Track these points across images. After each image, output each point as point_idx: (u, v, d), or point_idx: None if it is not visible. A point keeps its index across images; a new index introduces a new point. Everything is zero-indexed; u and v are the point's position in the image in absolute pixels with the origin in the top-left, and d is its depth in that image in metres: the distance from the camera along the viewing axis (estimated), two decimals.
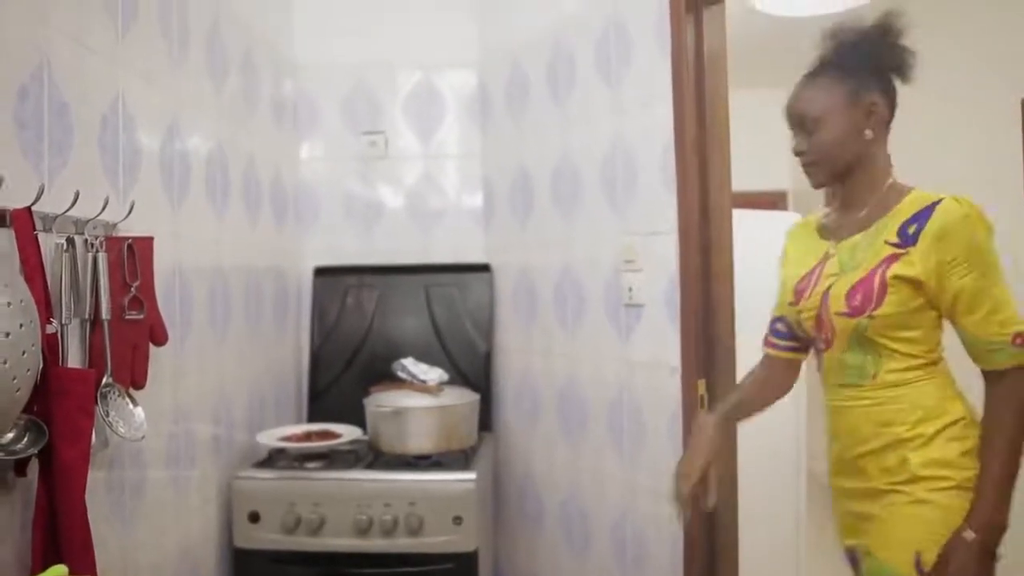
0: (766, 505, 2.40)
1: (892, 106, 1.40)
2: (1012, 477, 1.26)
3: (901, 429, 1.31)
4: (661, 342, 1.86)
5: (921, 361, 1.32)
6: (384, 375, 2.32)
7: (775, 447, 2.51)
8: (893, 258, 1.30)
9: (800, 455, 2.57)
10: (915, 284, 1.29)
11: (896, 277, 1.29)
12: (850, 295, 1.33)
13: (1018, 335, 1.26)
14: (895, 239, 1.31)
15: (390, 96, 2.69)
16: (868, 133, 1.37)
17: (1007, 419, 1.26)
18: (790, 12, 3.51)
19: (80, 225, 1.34)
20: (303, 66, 2.67)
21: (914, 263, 1.28)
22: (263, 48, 2.36)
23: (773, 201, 5.40)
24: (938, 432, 1.29)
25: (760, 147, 5.17)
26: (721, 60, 1.85)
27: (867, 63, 1.39)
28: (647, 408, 1.92)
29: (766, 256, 2.48)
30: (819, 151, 1.39)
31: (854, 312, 1.32)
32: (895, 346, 1.32)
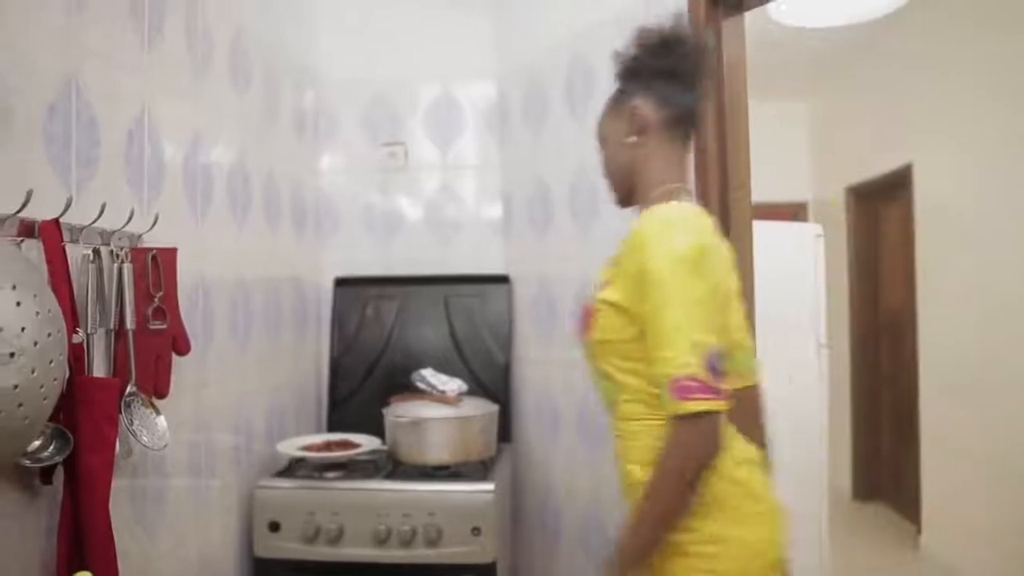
0: (788, 517, 2.37)
1: (667, 111, 1.31)
2: (652, 519, 1.14)
3: (635, 468, 1.22)
4: None
5: (653, 395, 1.17)
6: (403, 386, 2.33)
7: (797, 462, 2.48)
8: (608, 280, 1.23)
9: (822, 474, 2.54)
10: (619, 309, 1.19)
11: (602, 301, 1.21)
12: (578, 318, 1.25)
13: (675, 381, 1.09)
14: (612, 259, 1.23)
15: (410, 108, 2.71)
16: (631, 138, 1.32)
17: (661, 466, 1.13)
18: (804, 23, 3.50)
19: (106, 236, 1.36)
20: (324, 79, 2.69)
21: (616, 287, 1.20)
22: (285, 62, 2.39)
23: (793, 212, 5.37)
24: None
25: (780, 158, 5.17)
26: (741, 71, 1.85)
27: (630, 72, 1.36)
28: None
29: (787, 267, 2.48)
30: (604, 168, 1.37)
31: (578, 336, 1.26)
32: (621, 377, 1.22)
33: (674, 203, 1.26)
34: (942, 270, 3.77)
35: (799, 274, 2.54)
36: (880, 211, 4.78)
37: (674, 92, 1.32)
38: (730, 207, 1.79)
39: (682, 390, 1.08)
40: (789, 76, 4.78)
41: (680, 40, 1.33)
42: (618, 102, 1.36)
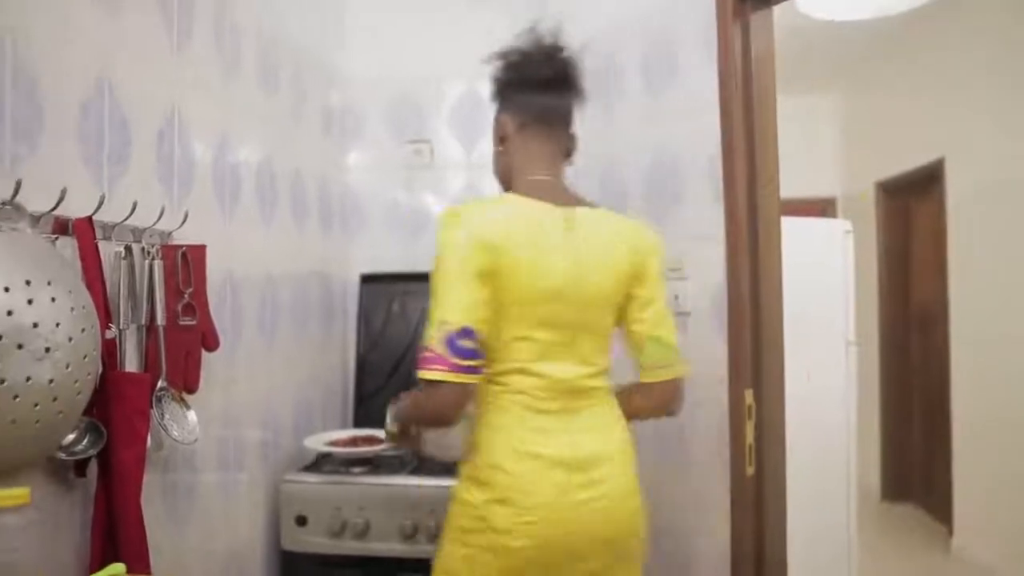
0: (816, 520, 2.35)
1: (521, 117, 1.52)
2: (407, 416, 1.55)
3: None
4: (708, 351, 1.83)
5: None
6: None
7: (825, 462, 2.45)
8: None
9: (850, 470, 2.51)
10: None
11: None
12: None
13: (420, 351, 1.32)
14: None
15: (435, 105, 2.72)
16: (498, 148, 1.56)
17: (411, 406, 1.52)
18: (833, 15, 3.45)
19: (137, 234, 1.38)
20: (350, 77, 2.71)
21: None
22: (312, 61, 2.41)
23: (822, 208, 5.31)
24: None
25: (808, 153, 5.11)
26: (769, 66, 1.83)
27: (494, 92, 1.60)
28: (692, 418, 1.89)
29: (815, 264, 2.45)
30: None
31: None
32: None
33: (494, 195, 1.53)
34: (975, 265, 3.71)
35: (828, 270, 2.51)
36: (911, 206, 4.70)
37: (526, 99, 1.53)
38: (758, 203, 1.77)
39: (422, 360, 1.31)
40: (818, 69, 4.72)
41: (526, 52, 1.54)
42: (494, 119, 1.59)
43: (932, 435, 4.35)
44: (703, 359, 1.85)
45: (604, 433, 1.44)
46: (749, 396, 1.71)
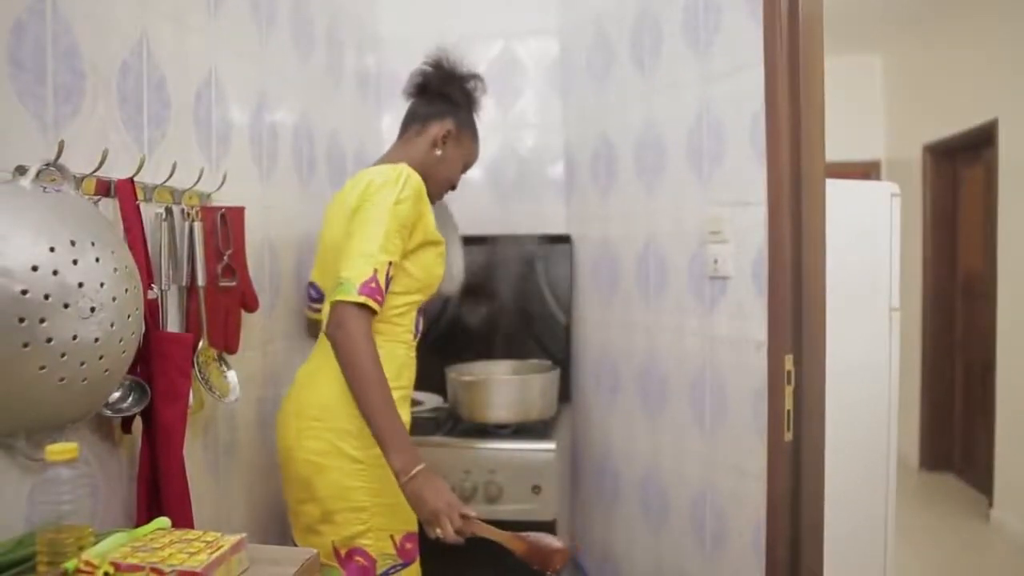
0: (854, 485, 2.32)
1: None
2: None
3: None
4: (747, 316, 1.81)
5: None
6: (464, 345, 2.35)
7: (865, 428, 2.42)
8: None
9: (891, 436, 2.47)
10: None
11: None
12: None
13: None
14: None
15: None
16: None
17: None
18: None
19: (177, 195, 1.39)
20: (386, 39, 2.69)
21: None
22: (347, 23, 2.39)
23: (866, 171, 5.17)
24: None
25: (853, 115, 4.96)
26: (816, 24, 1.76)
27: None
28: (730, 384, 1.88)
29: (858, 228, 2.39)
30: None
31: None
32: None
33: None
34: None
35: (873, 235, 2.44)
36: (959, 170, 4.56)
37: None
38: (802, 165, 1.72)
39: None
40: (864, 27, 4.56)
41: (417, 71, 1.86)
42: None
43: (974, 405, 4.27)
44: (742, 324, 1.83)
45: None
46: (789, 362, 1.68)
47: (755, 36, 1.75)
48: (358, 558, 1.52)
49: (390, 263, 1.49)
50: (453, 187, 1.88)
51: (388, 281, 1.50)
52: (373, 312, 1.47)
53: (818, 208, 1.73)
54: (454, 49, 1.87)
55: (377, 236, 1.49)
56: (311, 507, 1.55)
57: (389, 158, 1.78)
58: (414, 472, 1.40)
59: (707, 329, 1.96)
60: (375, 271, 1.47)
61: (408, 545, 1.59)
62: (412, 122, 1.83)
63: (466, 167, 1.89)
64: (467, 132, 1.85)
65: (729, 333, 1.88)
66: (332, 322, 1.46)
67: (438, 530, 1.40)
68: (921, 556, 3.38)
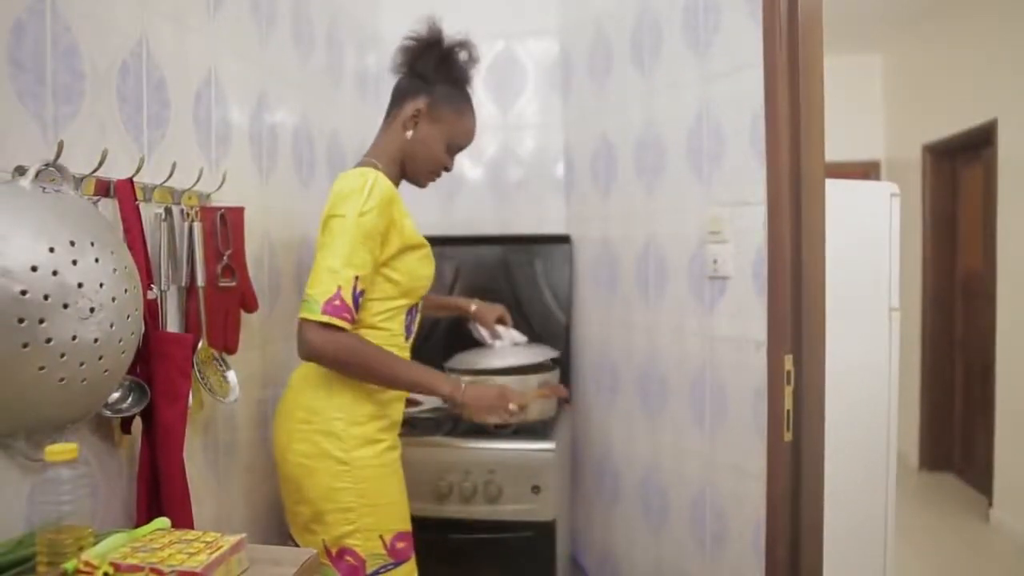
0: (854, 485, 2.32)
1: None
2: None
3: None
4: (747, 316, 1.81)
5: None
6: (463, 346, 2.35)
7: (865, 428, 2.42)
8: None
9: (891, 436, 2.47)
10: None
11: None
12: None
13: None
14: None
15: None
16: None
17: None
18: None
19: (177, 195, 1.39)
20: (386, 39, 2.68)
21: None
22: (347, 23, 2.39)
23: (865, 171, 5.17)
24: None
25: (853, 115, 4.96)
26: (816, 24, 1.76)
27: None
28: (730, 384, 1.88)
29: (857, 228, 2.39)
30: None
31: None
32: None
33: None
34: None
35: (872, 234, 2.44)
36: (959, 170, 4.56)
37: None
38: (801, 165, 1.72)
39: None
40: (863, 27, 4.56)
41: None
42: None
43: (974, 405, 4.27)
44: (742, 324, 1.83)
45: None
46: (788, 362, 1.68)
47: (755, 36, 1.75)
48: (348, 558, 1.53)
49: (356, 277, 1.48)
50: (446, 169, 1.77)
51: (357, 296, 1.48)
52: (341, 328, 1.46)
53: (818, 208, 1.73)
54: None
55: (342, 250, 1.47)
56: (303, 508, 1.56)
57: (371, 151, 1.72)
58: (463, 388, 1.61)
59: (707, 329, 1.96)
60: (339, 288, 1.45)
61: (400, 544, 1.59)
62: (392, 103, 1.74)
63: (454, 147, 1.75)
64: (445, 107, 1.70)
65: (729, 333, 1.88)
66: (299, 340, 1.47)
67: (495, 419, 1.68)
68: (921, 556, 3.38)
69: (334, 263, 1.47)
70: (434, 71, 1.70)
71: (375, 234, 1.52)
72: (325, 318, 1.44)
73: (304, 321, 1.45)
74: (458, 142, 1.76)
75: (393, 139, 1.70)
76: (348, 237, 1.48)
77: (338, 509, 1.53)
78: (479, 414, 1.64)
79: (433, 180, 1.79)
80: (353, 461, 1.53)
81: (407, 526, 1.62)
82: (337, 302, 1.45)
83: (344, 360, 1.49)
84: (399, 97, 1.72)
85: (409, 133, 1.68)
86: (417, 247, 1.64)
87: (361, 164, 1.66)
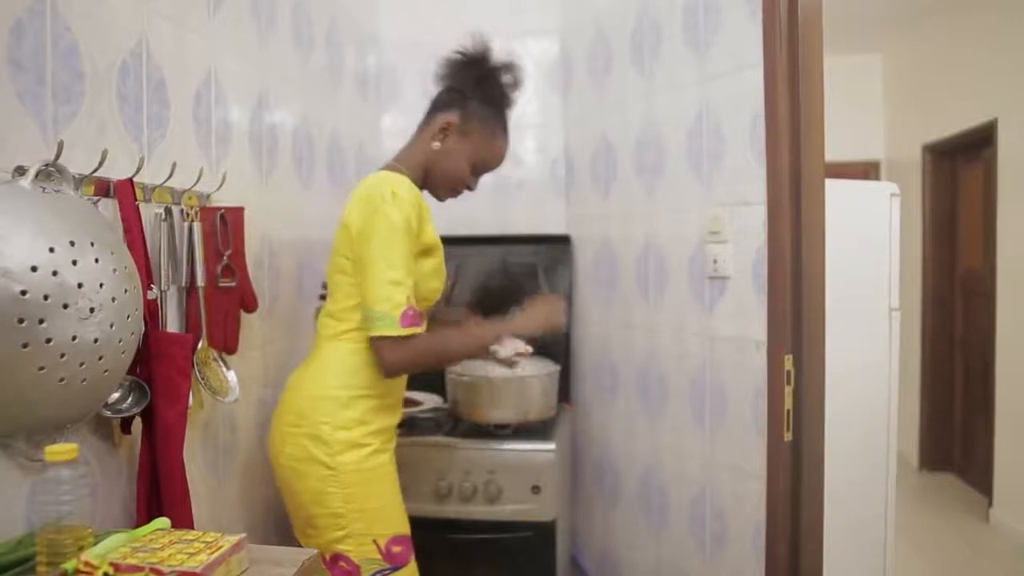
0: (853, 484, 2.32)
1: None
2: None
3: None
4: (747, 316, 1.81)
5: None
6: None
7: (865, 428, 2.42)
8: None
9: (891, 436, 2.47)
10: None
11: None
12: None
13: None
14: None
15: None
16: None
17: None
18: None
19: (177, 195, 1.39)
20: (385, 39, 2.69)
21: None
22: (346, 23, 2.39)
23: (865, 171, 5.17)
24: None
25: (853, 115, 4.96)
26: (816, 24, 1.76)
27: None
28: (730, 383, 1.88)
29: (857, 228, 2.39)
30: None
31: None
32: None
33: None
34: None
35: (872, 234, 2.44)
36: (959, 170, 4.56)
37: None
38: (801, 165, 1.72)
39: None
40: (863, 27, 4.56)
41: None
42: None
43: (974, 405, 4.27)
44: (742, 324, 1.83)
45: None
46: (788, 362, 1.69)
47: (755, 36, 1.75)
48: (341, 563, 1.52)
49: (413, 283, 1.51)
50: (468, 188, 1.74)
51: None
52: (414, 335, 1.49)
53: (818, 208, 1.73)
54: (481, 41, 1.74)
55: (399, 260, 1.48)
56: (298, 511, 1.57)
57: (396, 157, 1.72)
58: (504, 330, 1.70)
59: (707, 329, 1.96)
60: (408, 297, 1.47)
61: (396, 549, 1.56)
62: (427, 114, 1.74)
63: (479, 166, 1.72)
64: (477, 125, 1.68)
65: (729, 333, 1.89)
66: (383, 360, 1.50)
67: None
68: (921, 556, 3.38)
69: (395, 274, 1.47)
70: (473, 87, 1.68)
71: (413, 236, 1.53)
72: (407, 331, 1.46)
73: (384, 339, 1.47)
74: (484, 162, 1.73)
75: (421, 148, 1.69)
76: (398, 244, 1.49)
77: (328, 514, 1.52)
78: (539, 327, 1.73)
79: (453, 196, 1.76)
80: (339, 466, 1.51)
81: (403, 529, 1.60)
82: (411, 312, 1.47)
83: (422, 363, 1.55)
84: (434, 108, 1.72)
85: (436, 144, 1.67)
86: (432, 253, 1.63)
87: (386, 167, 1.67)
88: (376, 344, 1.49)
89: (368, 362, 1.57)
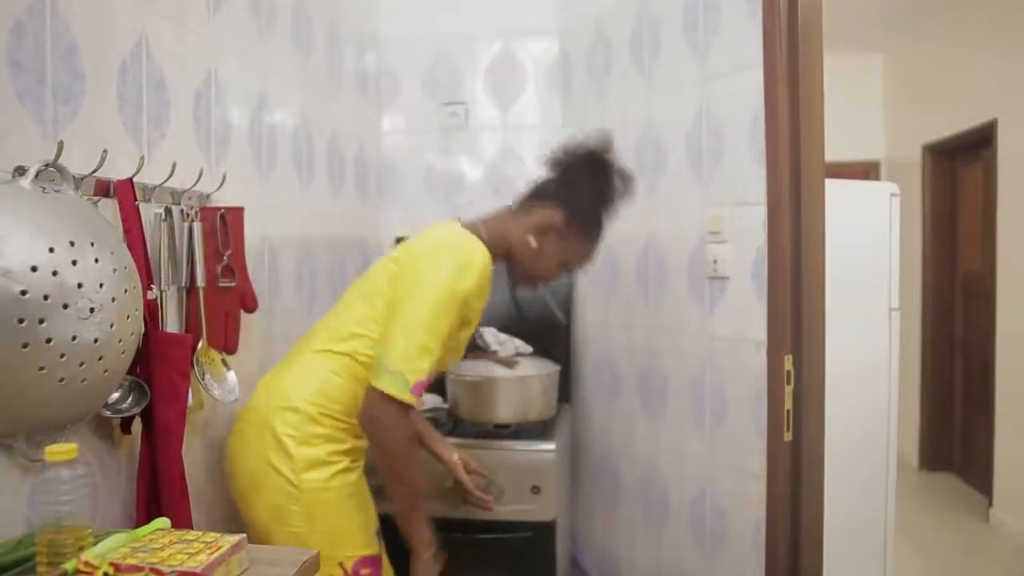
0: (854, 485, 2.32)
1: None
2: None
3: None
4: (747, 316, 1.81)
5: None
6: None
7: (865, 428, 2.42)
8: None
9: (891, 436, 2.48)
10: None
11: None
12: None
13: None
14: None
15: (471, 67, 2.69)
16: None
17: None
18: None
19: (176, 196, 1.39)
20: (385, 39, 2.69)
21: None
22: (347, 23, 2.39)
23: (865, 171, 5.17)
24: None
25: (853, 115, 4.96)
26: (816, 24, 1.76)
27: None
28: (730, 384, 1.88)
29: (857, 228, 2.39)
30: None
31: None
32: None
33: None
34: None
35: (872, 234, 2.45)
36: (959, 170, 4.56)
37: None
38: (801, 165, 1.72)
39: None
40: (863, 26, 4.56)
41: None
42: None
43: (974, 405, 4.27)
44: (742, 324, 1.83)
45: None
46: (788, 362, 1.68)
47: (755, 36, 1.75)
48: None
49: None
50: (545, 282, 1.67)
51: None
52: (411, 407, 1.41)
53: (818, 208, 1.73)
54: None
55: (438, 327, 1.41)
56: (254, 525, 1.47)
57: (484, 219, 1.62)
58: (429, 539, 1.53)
59: (707, 329, 1.96)
60: (430, 369, 1.40)
61: (364, 571, 1.49)
62: (531, 195, 1.64)
63: (565, 266, 1.66)
64: (579, 231, 1.61)
65: (729, 333, 1.88)
66: (372, 413, 1.40)
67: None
68: (921, 556, 3.38)
69: (429, 341, 1.40)
70: (587, 188, 1.60)
71: (463, 310, 1.47)
72: (413, 400, 1.38)
73: (384, 395, 1.37)
74: (574, 263, 1.68)
75: (513, 229, 1.60)
76: (448, 314, 1.42)
77: (287, 533, 1.43)
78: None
79: (530, 289, 1.70)
80: (302, 483, 1.43)
81: (371, 550, 1.52)
82: (425, 381, 1.40)
83: (393, 438, 1.42)
84: (539, 195, 1.62)
85: (532, 239, 1.58)
86: (468, 326, 1.57)
87: (468, 226, 1.59)
88: (372, 394, 1.40)
89: (349, 391, 1.49)
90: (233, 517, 1.65)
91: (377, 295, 1.51)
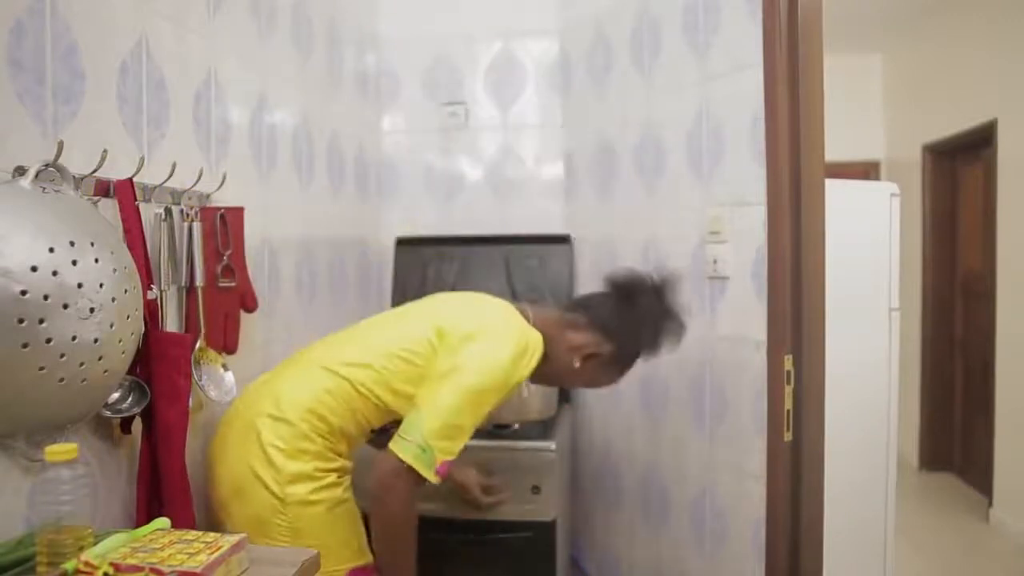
0: (853, 484, 2.32)
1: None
2: None
3: None
4: (747, 316, 1.81)
5: None
6: None
7: (865, 428, 2.42)
8: None
9: (891, 436, 2.47)
10: None
11: None
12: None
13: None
14: None
15: (471, 67, 2.69)
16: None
17: None
18: None
19: (176, 196, 1.39)
20: (385, 39, 2.69)
21: None
22: (347, 23, 2.39)
23: (865, 171, 5.16)
24: None
25: (853, 115, 4.96)
26: (816, 24, 1.76)
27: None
28: (730, 384, 1.88)
29: (857, 228, 2.39)
30: None
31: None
32: None
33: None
34: None
35: (872, 234, 2.45)
36: (959, 170, 4.55)
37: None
38: (801, 165, 1.72)
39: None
40: (863, 26, 4.56)
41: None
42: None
43: (974, 405, 4.27)
44: (742, 324, 1.83)
45: None
46: (788, 362, 1.68)
47: (755, 36, 1.75)
48: None
49: None
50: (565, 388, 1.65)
51: None
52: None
53: (818, 208, 1.73)
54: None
55: (478, 411, 1.40)
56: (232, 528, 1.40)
57: (539, 318, 1.58)
58: None
59: (707, 329, 1.96)
60: (459, 451, 1.40)
61: None
62: (584, 310, 1.62)
63: (592, 386, 1.72)
64: (620, 365, 1.63)
65: (729, 333, 1.88)
66: (394, 487, 1.37)
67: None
68: (921, 556, 3.38)
69: (468, 422, 1.39)
70: (643, 335, 1.60)
71: (510, 392, 1.46)
72: (435, 480, 1.37)
73: (406, 467, 1.35)
74: (601, 385, 1.72)
75: (557, 337, 1.58)
76: (494, 392, 1.41)
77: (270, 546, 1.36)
78: None
79: (543, 385, 1.74)
80: (287, 497, 1.37)
81: (363, 559, 1.47)
82: (451, 462, 1.39)
83: (398, 523, 1.40)
84: (595, 318, 1.59)
85: (576, 361, 1.58)
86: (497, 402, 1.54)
87: (526, 313, 1.58)
88: (392, 460, 1.36)
89: (340, 414, 1.44)
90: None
91: (408, 344, 1.47)
